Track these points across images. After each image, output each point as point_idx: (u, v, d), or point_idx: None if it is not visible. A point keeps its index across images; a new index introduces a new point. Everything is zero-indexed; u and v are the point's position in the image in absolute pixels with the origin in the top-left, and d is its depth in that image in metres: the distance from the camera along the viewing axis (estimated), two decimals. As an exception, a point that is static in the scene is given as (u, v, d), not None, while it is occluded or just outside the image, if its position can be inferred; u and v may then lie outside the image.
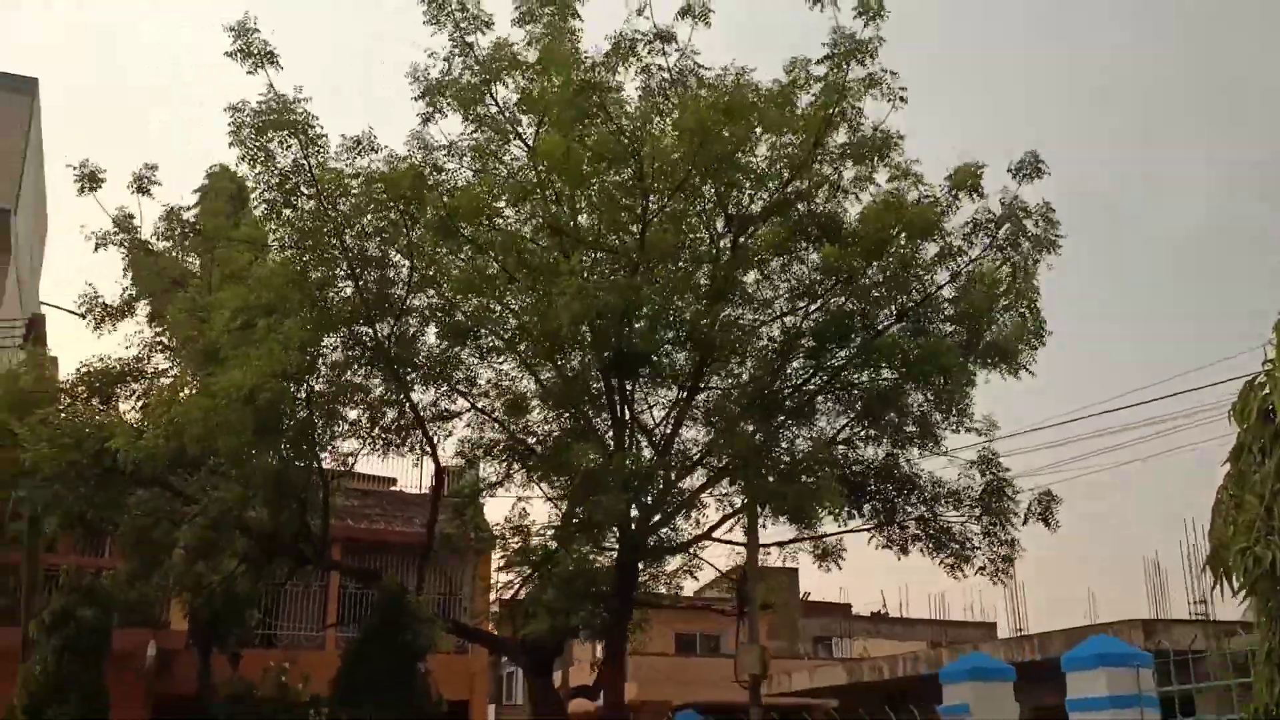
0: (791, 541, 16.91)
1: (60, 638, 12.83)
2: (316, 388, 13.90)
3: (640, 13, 14.35)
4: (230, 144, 13.30)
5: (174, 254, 16.33)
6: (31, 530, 15.74)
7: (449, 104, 14.70)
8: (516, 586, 18.78)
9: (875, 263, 14.36)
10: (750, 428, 14.11)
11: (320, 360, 13.58)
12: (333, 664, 24.11)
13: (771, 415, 14.35)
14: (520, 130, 14.67)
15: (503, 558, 18.23)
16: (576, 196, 13.55)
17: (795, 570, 34.30)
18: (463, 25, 14.55)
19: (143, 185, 15.90)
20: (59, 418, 13.06)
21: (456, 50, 14.63)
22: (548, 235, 14.05)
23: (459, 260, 14.13)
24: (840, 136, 14.80)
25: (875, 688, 18.94)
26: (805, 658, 37.08)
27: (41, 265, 28.82)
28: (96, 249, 15.66)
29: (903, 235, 14.11)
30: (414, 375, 14.92)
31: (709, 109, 12.40)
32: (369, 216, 13.53)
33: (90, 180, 15.50)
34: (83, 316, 15.70)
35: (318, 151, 13.40)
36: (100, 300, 16.16)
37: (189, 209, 16.56)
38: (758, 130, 13.71)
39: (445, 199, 13.35)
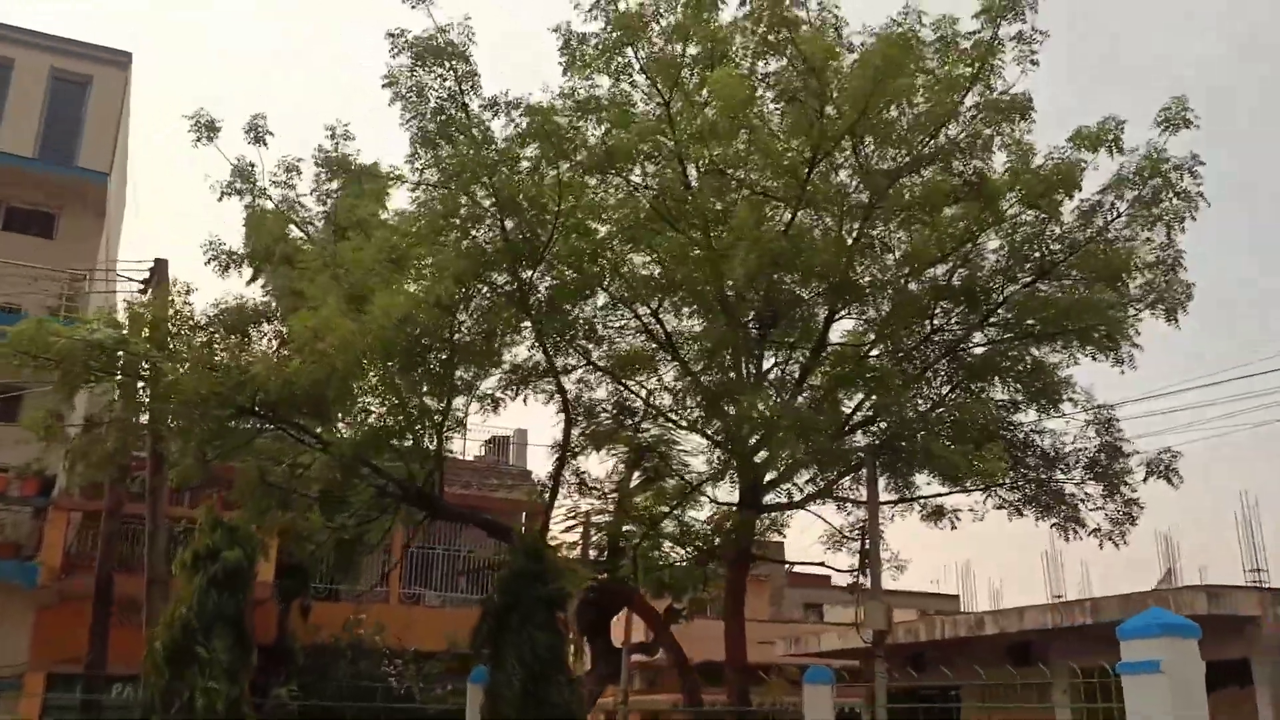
0: (905, 500, 16.92)
1: (206, 576, 12.66)
2: (463, 326, 13.74)
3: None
4: (384, 83, 13.17)
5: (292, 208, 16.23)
6: (155, 474, 15.64)
7: (592, 54, 14.59)
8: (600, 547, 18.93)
9: (1020, 219, 14.35)
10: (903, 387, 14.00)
11: (473, 296, 13.38)
12: (399, 616, 24.64)
13: (925, 374, 14.27)
14: (661, 85, 14.52)
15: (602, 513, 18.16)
16: (744, 137, 13.32)
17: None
18: None
19: (258, 134, 15.77)
20: (198, 348, 12.92)
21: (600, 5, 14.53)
22: (711, 178, 13.85)
23: (612, 202, 13.96)
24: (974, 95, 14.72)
25: (990, 641, 19.00)
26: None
27: (122, 221, 28.90)
28: (221, 198, 15.56)
29: (1047, 191, 14.06)
30: (555, 324, 14.75)
31: (895, 46, 12.22)
32: (528, 149, 13.29)
33: (208, 130, 15.39)
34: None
35: (472, 86, 13.24)
36: (224, 247, 16.10)
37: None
38: (918, 80, 13.54)
39: (605, 135, 13.17)
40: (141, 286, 17.19)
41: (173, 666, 12.32)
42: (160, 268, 17.27)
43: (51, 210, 24.47)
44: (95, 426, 13.52)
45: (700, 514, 18.19)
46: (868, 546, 16.38)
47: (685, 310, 15.42)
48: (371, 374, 11.97)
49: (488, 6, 13.46)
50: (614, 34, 14.39)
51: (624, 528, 17.64)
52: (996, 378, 15.89)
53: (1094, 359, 14.64)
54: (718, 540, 17.51)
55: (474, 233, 13.69)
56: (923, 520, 17.28)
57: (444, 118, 13.31)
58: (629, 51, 14.59)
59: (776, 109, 13.56)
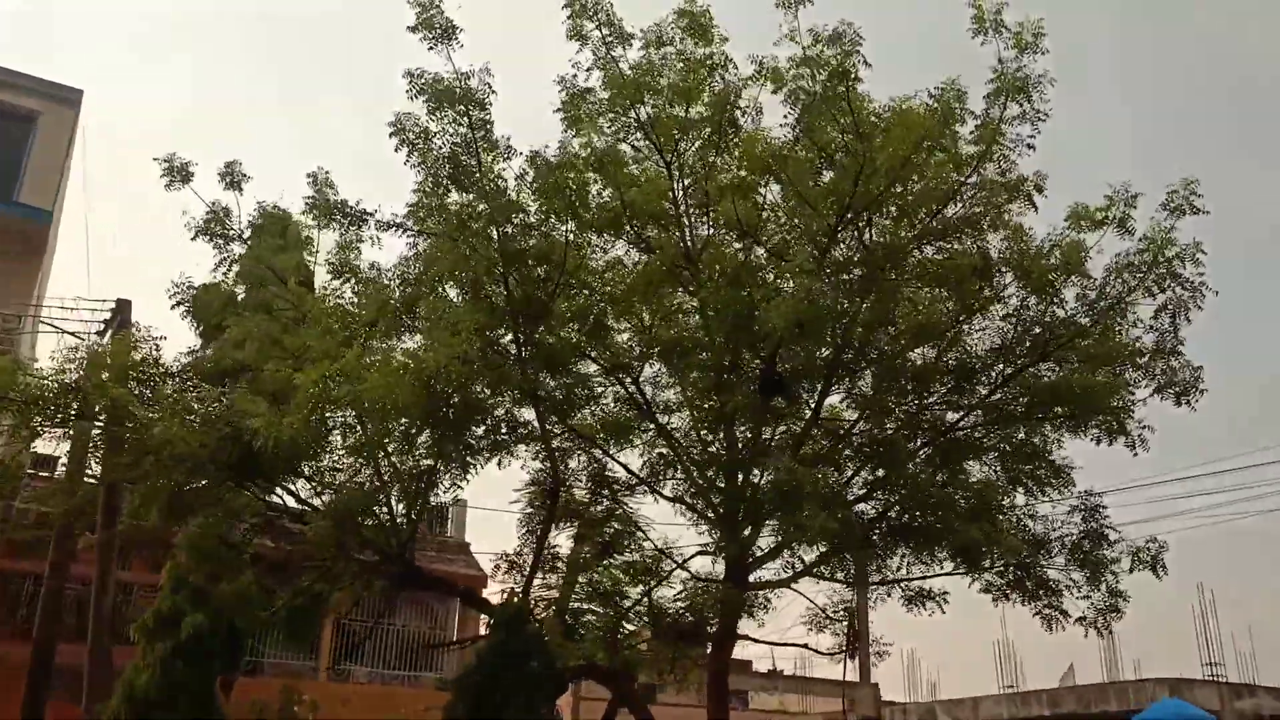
0: (893, 581, 16.49)
1: (169, 644, 11.60)
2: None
3: (790, 38, 14.24)
4: (391, 132, 12.70)
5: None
6: (106, 529, 14.45)
7: (592, 112, 14.32)
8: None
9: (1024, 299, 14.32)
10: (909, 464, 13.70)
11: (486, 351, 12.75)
12: (329, 693, 23.18)
13: (941, 451, 14.00)
14: (664, 143, 14.28)
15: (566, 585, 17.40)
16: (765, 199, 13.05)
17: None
18: (608, 39, 14.25)
19: (234, 179, 15.18)
20: (177, 398, 12.05)
21: (600, 63, 14.31)
22: (731, 237, 13.53)
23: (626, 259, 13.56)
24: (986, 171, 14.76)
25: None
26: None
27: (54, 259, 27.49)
28: (195, 239, 14.82)
29: (1051, 274, 14.07)
30: (553, 386, 14.17)
31: (925, 121, 12.13)
32: (535, 204, 12.86)
33: (180, 174, 14.78)
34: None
35: (485, 135, 12.80)
36: (189, 287, 15.29)
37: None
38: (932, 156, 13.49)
39: (621, 192, 12.81)
40: (101, 328, 16.12)
41: (131, 743, 11.21)
42: (123, 308, 16.26)
43: (-16, 249, 23.12)
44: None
45: (669, 591, 17.59)
46: (855, 629, 16.00)
47: (684, 376, 14.93)
48: (390, 428, 11.23)
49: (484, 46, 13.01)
50: (613, 94, 14.17)
51: (580, 604, 16.92)
52: (985, 458, 15.73)
53: (1098, 442, 14.52)
54: (691, 618, 16.91)
55: (485, 285, 13.10)
56: (904, 604, 16.87)
57: (454, 166, 12.79)
58: (632, 112, 14.36)
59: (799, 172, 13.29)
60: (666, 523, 19.27)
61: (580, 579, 17.24)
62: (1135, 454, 14.21)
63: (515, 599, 14.28)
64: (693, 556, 16.05)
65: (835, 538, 12.22)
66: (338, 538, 12.77)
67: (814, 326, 11.98)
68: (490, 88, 12.74)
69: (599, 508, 16.96)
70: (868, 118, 12.64)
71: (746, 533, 15.27)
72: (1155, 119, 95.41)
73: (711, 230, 14.61)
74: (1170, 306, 13.99)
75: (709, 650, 16.04)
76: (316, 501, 14.42)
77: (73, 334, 16.91)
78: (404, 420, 11.36)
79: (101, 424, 12.22)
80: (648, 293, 14.22)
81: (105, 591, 14.36)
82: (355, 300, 13.84)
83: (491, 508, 33.65)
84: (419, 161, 12.84)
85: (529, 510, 16.95)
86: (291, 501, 14.29)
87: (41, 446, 15.94)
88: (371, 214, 13.70)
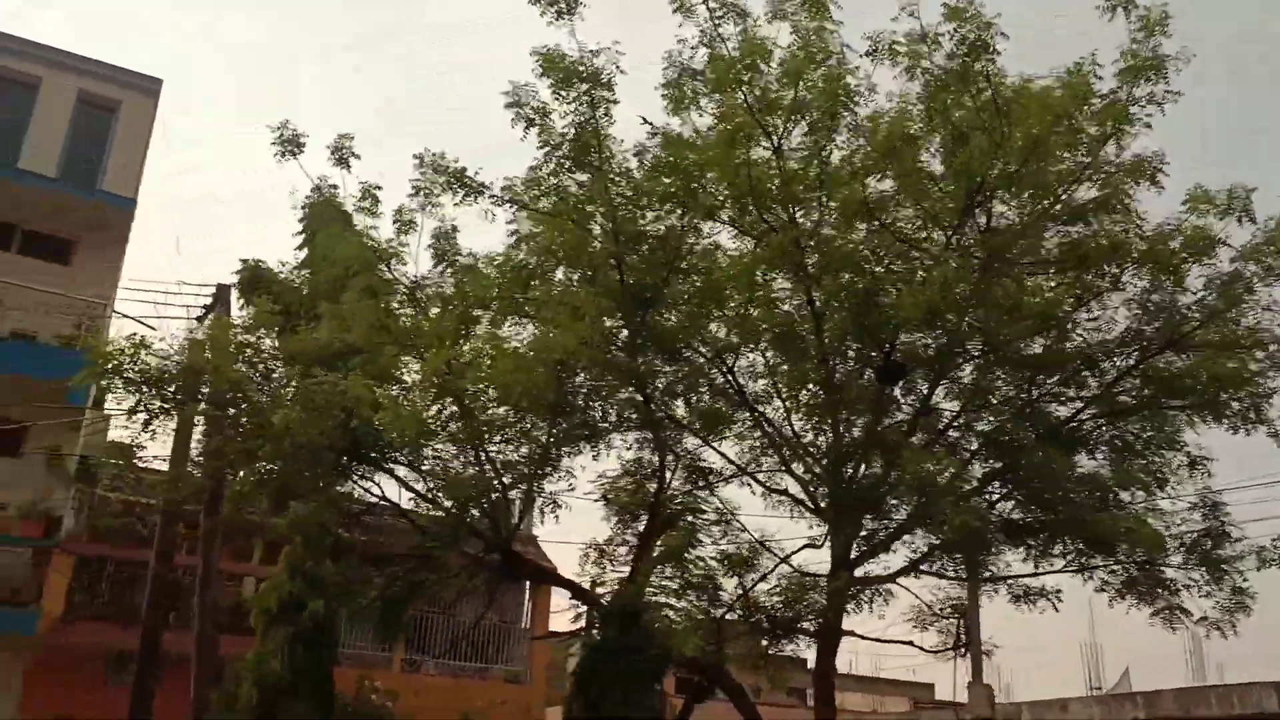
0: (1004, 578, 16.02)
1: (289, 628, 11.40)
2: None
3: (909, 12, 13.82)
4: (508, 102, 12.36)
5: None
6: (210, 515, 14.32)
7: (701, 90, 13.95)
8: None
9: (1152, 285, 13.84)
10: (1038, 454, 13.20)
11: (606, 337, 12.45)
12: (402, 684, 22.95)
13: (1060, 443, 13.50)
14: (773, 126, 13.89)
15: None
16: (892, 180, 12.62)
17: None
18: (715, 15, 13.86)
19: (342, 156, 14.89)
20: (303, 382, 11.84)
21: (706, 40, 13.93)
22: (843, 221, 13.13)
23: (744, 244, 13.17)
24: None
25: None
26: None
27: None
28: (302, 220, 14.64)
29: (1179, 258, 13.58)
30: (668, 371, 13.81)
31: (1062, 100, 11.67)
32: (660, 183, 12.47)
33: (292, 145, 14.53)
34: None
35: (607, 113, 12.48)
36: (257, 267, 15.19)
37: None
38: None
39: (745, 175, 12.40)
40: (202, 313, 16.00)
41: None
42: (222, 293, 16.12)
43: (70, 236, 23.21)
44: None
45: (763, 585, 17.21)
46: (964, 625, 15.52)
47: (791, 364, 14.53)
48: (506, 414, 10.93)
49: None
50: (719, 74, 13.77)
51: (671, 598, 16.56)
52: (1097, 451, 15.24)
53: (1234, 431, 13.97)
54: (789, 613, 16.56)
55: (602, 269, 12.78)
56: (1012, 601, 16.39)
57: (576, 144, 12.47)
58: (740, 92, 13.96)
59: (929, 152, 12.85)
60: (757, 515, 18.81)
61: (671, 570, 16.94)
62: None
63: (625, 593, 13.96)
64: (799, 550, 15.64)
65: (972, 534, 11.75)
66: (453, 525, 12.49)
67: (947, 313, 11.51)
68: (618, 68, 12.40)
69: (692, 499, 16.63)
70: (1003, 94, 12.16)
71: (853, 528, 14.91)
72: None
73: (822, 214, 14.22)
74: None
75: (812, 647, 15.63)
76: (420, 488, 14.19)
77: (166, 319, 16.90)
78: (525, 405, 11.00)
79: (220, 408, 12.00)
80: (750, 280, 13.84)
81: (210, 579, 14.22)
82: (461, 282, 13.54)
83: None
84: (543, 143, 12.49)
85: (619, 500, 16.63)
86: (390, 490, 14.07)
87: (116, 434, 15.92)
88: (488, 186, 13.34)
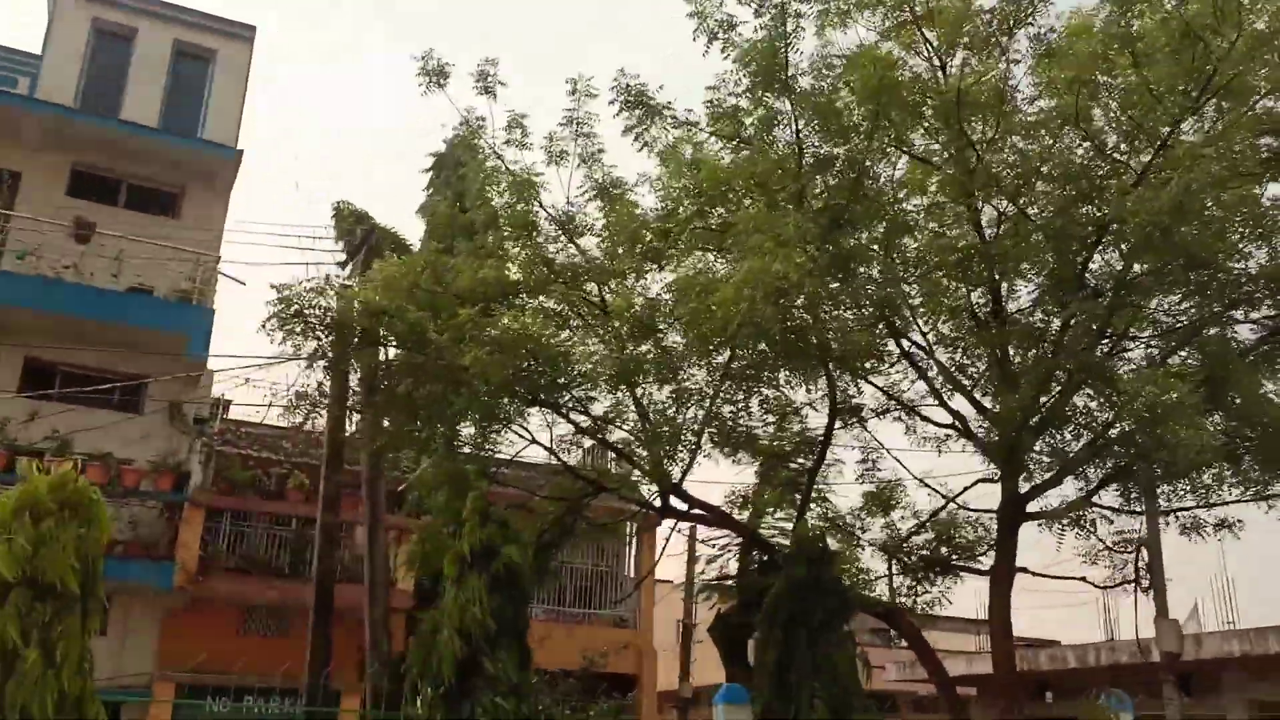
0: (1189, 508, 15.37)
1: (486, 575, 11.02)
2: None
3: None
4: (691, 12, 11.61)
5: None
6: (375, 465, 13.98)
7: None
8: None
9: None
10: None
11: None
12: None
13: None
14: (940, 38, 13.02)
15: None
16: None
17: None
18: None
19: (487, 84, 14.18)
20: (483, 321, 11.34)
21: None
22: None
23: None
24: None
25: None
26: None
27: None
28: (451, 150, 14.07)
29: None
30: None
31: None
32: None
33: (437, 75, 13.84)
34: None
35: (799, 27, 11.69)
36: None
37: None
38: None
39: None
40: (347, 257, 15.55)
41: (460, 680, 10.66)
42: (366, 235, 15.64)
43: (173, 188, 22.89)
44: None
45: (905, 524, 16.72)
46: (1144, 559, 14.95)
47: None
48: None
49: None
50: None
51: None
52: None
53: None
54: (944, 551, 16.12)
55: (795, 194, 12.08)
56: (1183, 533, 15.75)
57: (764, 64, 11.72)
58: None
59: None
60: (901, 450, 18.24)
61: (817, 509, 16.49)
62: None
63: (814, 535, 13.45)
64: (975, 485, 15.08)
65: (1204, 456, 11.05)
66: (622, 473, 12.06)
67: (1178, 225, 10.71)
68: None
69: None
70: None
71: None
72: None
73: (993, 134, 13.40)
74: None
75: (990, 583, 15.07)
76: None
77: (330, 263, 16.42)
78: (747, 336, 10.40)
79: (408, 350, 11.56)
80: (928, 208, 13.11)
81: (378, 526, 13.89)
82: (631, 214, 12.91)
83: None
84: (738, 59, 11.73)
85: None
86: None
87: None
88: (670, 106, 12.61)
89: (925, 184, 13.55)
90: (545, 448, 14.21)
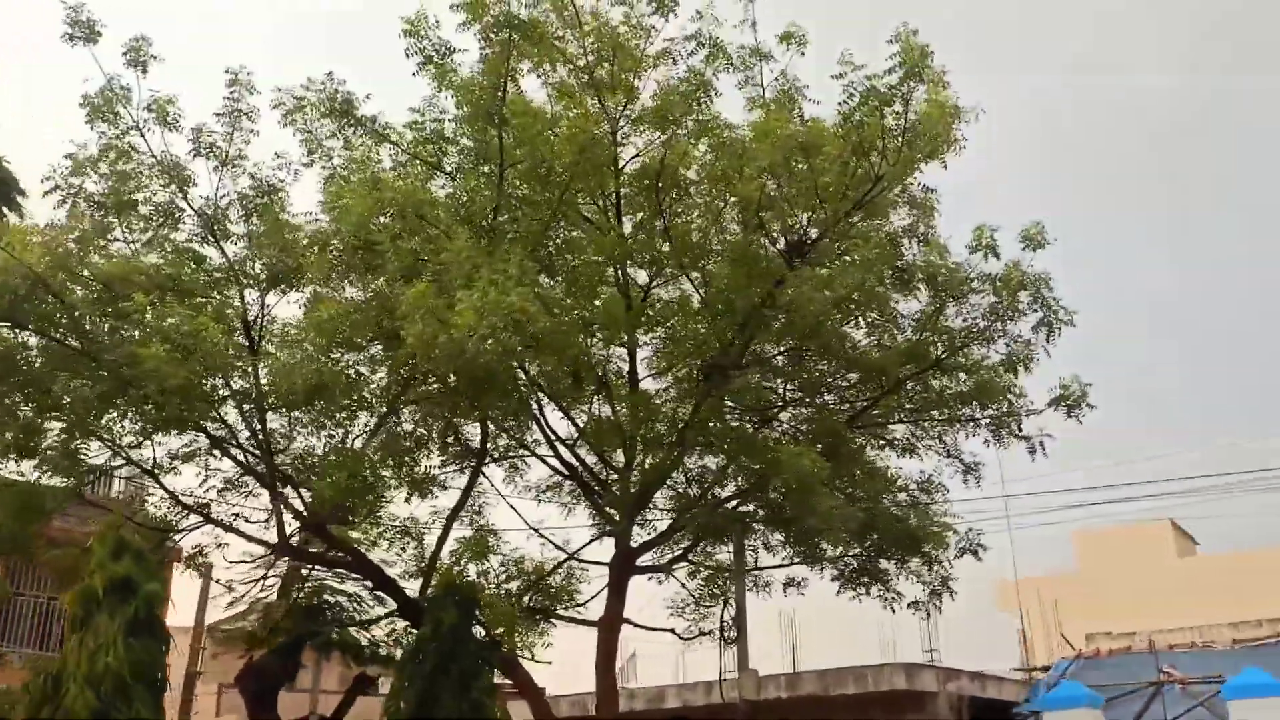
0: (756, 569, 17.10)
1: (121, 618, 9.26)
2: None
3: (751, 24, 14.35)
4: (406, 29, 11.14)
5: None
6: None
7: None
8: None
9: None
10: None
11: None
12: None
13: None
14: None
15: None
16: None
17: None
18: None
19: (139, 58, 12.70)
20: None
21: None
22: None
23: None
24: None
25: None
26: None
27: None
28: (89, 122, 12.29)
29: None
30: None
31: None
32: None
33: (84, 32, 12.18)
34: None
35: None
36: None
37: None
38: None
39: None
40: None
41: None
42: None
43: None
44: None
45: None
46: (730, 613, 16.38)
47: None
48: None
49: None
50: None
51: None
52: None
53: (996, 444, 15.98)
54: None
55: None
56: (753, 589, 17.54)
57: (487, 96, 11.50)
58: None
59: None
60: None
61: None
62: (1033, 459, 15.73)
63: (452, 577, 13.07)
64: (587, 544, 15.81)
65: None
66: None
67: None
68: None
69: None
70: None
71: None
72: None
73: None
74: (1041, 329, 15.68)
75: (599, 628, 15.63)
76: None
77: None
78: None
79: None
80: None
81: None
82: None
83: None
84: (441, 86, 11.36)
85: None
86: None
87: None
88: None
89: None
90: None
